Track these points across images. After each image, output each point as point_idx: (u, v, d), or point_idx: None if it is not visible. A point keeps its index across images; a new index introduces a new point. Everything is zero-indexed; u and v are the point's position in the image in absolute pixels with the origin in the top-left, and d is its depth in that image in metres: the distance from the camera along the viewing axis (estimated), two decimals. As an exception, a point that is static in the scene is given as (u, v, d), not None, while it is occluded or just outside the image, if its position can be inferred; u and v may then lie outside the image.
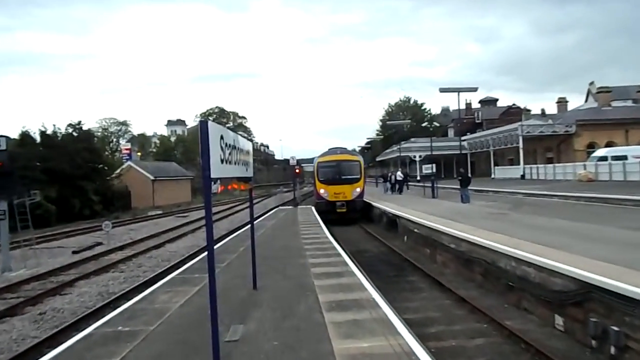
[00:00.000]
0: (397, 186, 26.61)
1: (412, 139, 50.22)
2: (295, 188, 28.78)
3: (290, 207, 24.38)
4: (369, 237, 15.85)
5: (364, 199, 22.49)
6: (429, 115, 66.20)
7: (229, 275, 7.25)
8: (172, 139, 67.85)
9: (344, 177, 21.89)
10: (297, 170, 26.43)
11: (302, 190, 50.93)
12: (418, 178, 28.31)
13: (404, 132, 54.32)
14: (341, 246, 10.38)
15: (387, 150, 58.74)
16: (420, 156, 44.66)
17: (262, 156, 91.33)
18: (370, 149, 65.66)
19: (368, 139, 69.85)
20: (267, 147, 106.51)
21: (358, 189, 21.78)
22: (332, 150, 24.78)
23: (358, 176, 22.16)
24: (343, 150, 24.64)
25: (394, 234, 14.78)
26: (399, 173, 27.51)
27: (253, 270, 6.21)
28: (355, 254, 11.56)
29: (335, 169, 22.18)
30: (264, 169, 77.27)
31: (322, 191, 21.97)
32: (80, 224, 23.24)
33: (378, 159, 63.75)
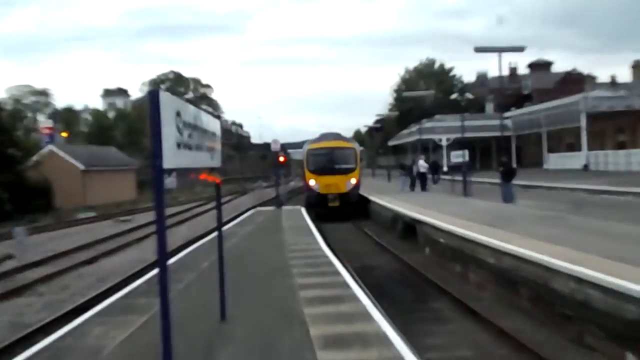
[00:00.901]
0: (421, 180, 26.66)
1: (437, 116, 50.49)
2: (280, 182, 28.79)
3: (272, 208, 24.57)
4: (379, 248, 15.99)
5: (360, 192, 24.92)
6: (459, 84, 66.45)
7: (188, 301, 7.29)
8: (111, 114, 67.04)
9: (337, 166, 24.44)
10: (282, 159, 26.48)
11: (289, 186, 51.18)
12: (445, 169, 28.44)
13: (426, 106, 54.54)
14: (341, 261, 10.47)
15: (404, 132, 59.02)
16: (448, 139, 44.96)
17: (234, 139, 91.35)
18: (381, 130, 65.96)
19: (378, 116, 70.11)
20: (241, 126, 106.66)
21: (353, 180, 24.30)
22: (324, 136, 27.31)
23: (353, 166, 24.71)
24: (336, 136, 27.12)
25: (412, 245, 15.03)
26: (421, 162, 27.38)
27: (221, 295, 6.20)
28: (361, 272, 11.71)
29: (327, 158, 24.73)
30: (235, 156, 77.24)
31: (312, 182, 24.53)
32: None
33: (391, 142, 64.07)
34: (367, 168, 72.92)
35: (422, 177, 26.53)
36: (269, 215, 21.30)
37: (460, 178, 23.24)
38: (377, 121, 69.37)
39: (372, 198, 23.18)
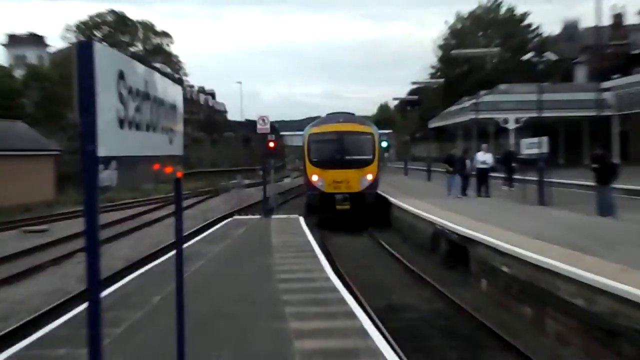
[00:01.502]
0: (480, 179, 26.56)
1: (503, 86, 50.43)
2: (269, 178, 28.90)
3: (257, 216, 24.74)
4: (411, 278, 16.04)
5: (378, 191, 26.39)
6: (537, 39, 66.27)
7: (129, 352, 7.35)
8: (18, 73, 67.06)
9: (348, 157, 25.89)
10: (272, 144, 26.59)
11: (283, 184, 51.34)
12: (512, 164, 28.35)
13: (486, 71, 54.40)
14: (356, 297, 10.51)
15: (452, 108, 59.12)
16: (517, 120, 44.96)
17: (203, 114, 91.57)
18: (419, 105, 65.86)
19: (414, 85, 70.15)
20: (213, 96, 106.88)
21: (369, 176, 25.78)
22: (332, 117, 28.58)
23: (370, 156, 26.14)
24: (348, 117, 28.41)
25: (462, 275, 15.12)
26: (481, 154, 27.21)
27: (178, 346, 6.21)
28: (385, 315, 11.80)
29: (335, 145, 26.17)
30: (205, 139, 77.54)
31: (315, 178, 25.92)
32: None
33: (433, 124, 64.12)
34: (398, 160, 73.07)
35: (481, 176, 26.43)
36: (252, 226, 21.44)
37: (534, 178, 23.19)
38: (412, 92, 69.24)
39: (404, 204, 23.29)
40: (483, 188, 26.15)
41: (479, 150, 27.59)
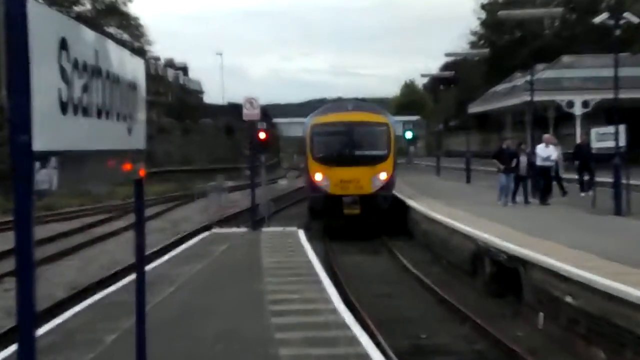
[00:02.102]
0: (542, 181, 26.40)
1: (566, 58, 50.32)
2: (258, 179, 28.95)
3: (243, 229, 24.80)
4: (445, 310, 16.00)
5: (394, 192, 28.46)
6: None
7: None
8: None
9: (358, 152, 27.73)
10: (263, 135, 26.65)
11: (278, 187, 50.77)
12: (589, 161, 27.90)
13: (543, 39, 54.01)
14: (373, 336, 10.55)
15: (499, 88, 59.15)
16: (585, 103, 44.82)
17: (172, 95, 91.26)
18: (455, 84, 65.48)
19: (448, 57, 69.68)
20: (185, 71, 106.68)
21: (382, 175, 27.46)
22: (338, 106, 30.79)
23: (384, 151, 27.94)
24: (357, 105, 30.54)
25: (510, 306, 15.12)
26: (542, 148, 26.93)
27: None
28: (412, 359, 11.73)
29: (342, 139, 28.15)
30: (176, 127, 77.51)
31: (319, 177, 27.59)
32: None
33: (474, 108, 64.08)
34: (428, 156, 72.40)
35: (543, 176, 26.25)
36: (237, 242, 21.42)
37: (608, 179, 23.13)
38: (446, 67, 69.01)
39: (434, 214, 23.32)
40: (542, 192, 26.01)
41: (541, 144, 27.09)
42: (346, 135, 27.67)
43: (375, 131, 28.13)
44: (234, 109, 57.80)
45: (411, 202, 27.74)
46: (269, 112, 71.77)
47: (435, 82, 68.69)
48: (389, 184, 27.67)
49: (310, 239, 22.57)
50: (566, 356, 12.09)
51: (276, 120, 72.49)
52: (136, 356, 6.07)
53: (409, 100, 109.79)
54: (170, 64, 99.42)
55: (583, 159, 27.92)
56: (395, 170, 28.58)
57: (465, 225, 19.97)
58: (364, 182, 26.92)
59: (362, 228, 26.85)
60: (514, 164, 25.61)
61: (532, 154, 27.08)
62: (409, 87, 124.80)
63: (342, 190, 26.81)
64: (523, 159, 26.25)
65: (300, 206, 38.23)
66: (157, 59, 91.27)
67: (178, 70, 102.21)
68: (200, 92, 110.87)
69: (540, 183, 26.40)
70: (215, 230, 25.79)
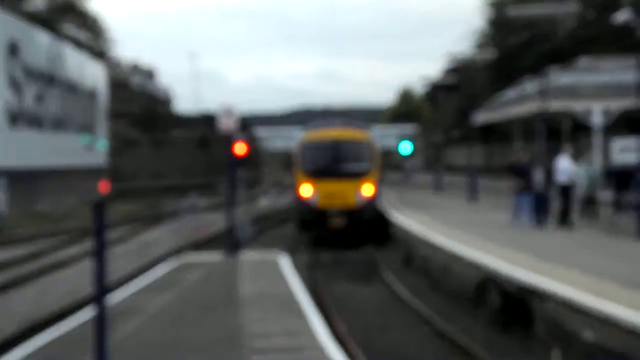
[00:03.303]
0: (561, 200, 26.24)
1: (583, 60, 50.48)
2: (236, 197, 28.91)
3: (217, 257, 24.90)
4: (446, 345, 15.92)
5: (377, 206, 33.28)
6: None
7: None
8: None
9: (344, 167, 32.79)
10: (243, 148, 26.58)
11: (259, 206, 50.60)
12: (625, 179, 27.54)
13: (558, 39, 54.20)
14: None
15: (507, 96, 59.27)
16: (606, 112, 44.84)
17: (139, 104, 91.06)
18: (456, 90, 65.54)
19: (450, 61, 69.78)
20: (150, 75, 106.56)
21: (367, 189, 32.21)
22: (326, 123, 37.63)
23: (367, 165, 32.85)
24: (345, 122, 37.09)
25: (520, 341, 15.17)
26: (565, 162, 26.41)
27: None
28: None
29: (330, 154, 33.11)
30: (142, 141, 77.38)
31: (307, 192, 32.32)
32: None
33: (478, 118, 64.22)
34: (428, 170, 72.70)
35: (564, 194, 25.96)
36: (212, 269, 21.48)
37: (633, 198, 23.22)
38: (449, 71, 69.28)
39: (432, 237, 23.34)
40: (563, 214, 25.81)
41: (561, 159, 26.40)
42: (334, 151, 32.31)
43: (358, 147, 33.09)
44: (209, 120, 57.82)
45: (406, 223, 28.17)
46: (249, 123, 71.67)
47: (435, 90, 69.06)
48: (374, 198, 32.11)
49: (295, 263, 22.63)
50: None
51: (258, 128, 72.31)
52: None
53: (406, 110, 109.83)
54: (136, 69, 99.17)
55: (622, 178, 26.53)
56: (380, 184, 33.26)
57: (469, 250, 19.97)
58: (349, 196, 31.52)
59: (349, 240, 30.54)
60: (523, 177, 25.60)
61: (549, 169, 26.76)
62: (406, 96, 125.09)
63: (328, 204, 31.10)
64: (539, 174, 26.11)
65: (284, 227, 38.29)
66: (120, 63, 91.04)
67: (143, 74, 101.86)
68: (170, 100, 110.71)
69: (563, 202, 26.27)
70: (188, 255, 25.77)
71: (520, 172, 25.70)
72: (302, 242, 31.94)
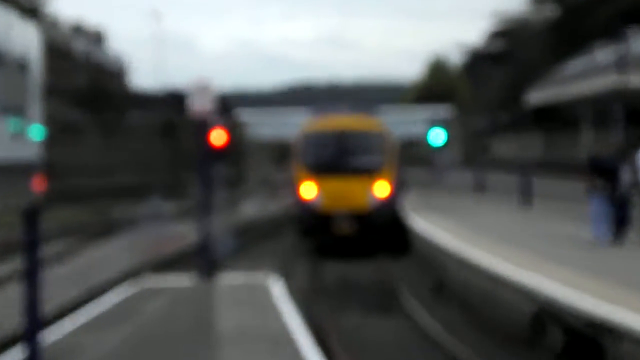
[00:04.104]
0: None
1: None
2: (212, 202, 28.81)
3: (185, 282, 24.96)
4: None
5: (394, 210, 35.17)
6: None
7: None
8: None
9: (353, 160, 34.65)
10: (222, 137, 26.60)
11: (243, 213, 50.34)
12: None
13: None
14: None
15: (572, 65, 58.80)
16: None
17: (83, 77, 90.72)
18: (503, 60, 65.48)
19: (494, 20, 69.55)
20: (101, 41, 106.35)
21: (380, 189, 33.98)
22: (331, 107, 40.56)
23: (378, 159, 34.79)
24: (354, 106, 40.72)
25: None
26: None
27: None
28: None
29: (336, 147, 35.03)
30: (88, 125, 77.07)
31: (309, 192, 34.27)
32: None
33: (532, 97, 64.28)
34: (465, 164, 71.93)
35: None
36: (179, 297, 21.54)
37: None
38: (495, 35, 69.27)
39: (471, 255, 23.35)
40: None
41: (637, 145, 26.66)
42: (341, 143, 34.32)
43: (369, 137, 35.25)
44: (177, 99, 57.74)
45: (436, 236, 28.53)
46: (230, 104, 71.35)
47: (476, 60, 68.94)
48: (390, 199, 33.90)
49: (290, 287, 22.89)
50: None
51: (243, 115, 71.86)
52: None
53: (437, 86, 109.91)
54: (79, 30, 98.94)
55: None
56: (401, 184, 35.19)
57: (520, 272, 19.93)
58: (358, 196, 33.43)
59: (360, 253, 32.28)
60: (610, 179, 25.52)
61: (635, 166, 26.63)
62: (438, 67, 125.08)
63: (335, 206, 33.12)
64: (626, 174, 25.87)
65: (277, 239, 38.44)
66: (59, 23, 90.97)
67: (91, 40, 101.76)
68: (124, 73, 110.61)
69: None
70: (149, 278, 25.72)
71: (603, 170, 25.45)
72: (301, 256, 33.15)
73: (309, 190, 34.11)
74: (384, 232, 33.59)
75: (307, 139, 35.81)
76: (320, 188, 33.80)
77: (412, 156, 68.99)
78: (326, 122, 36.83)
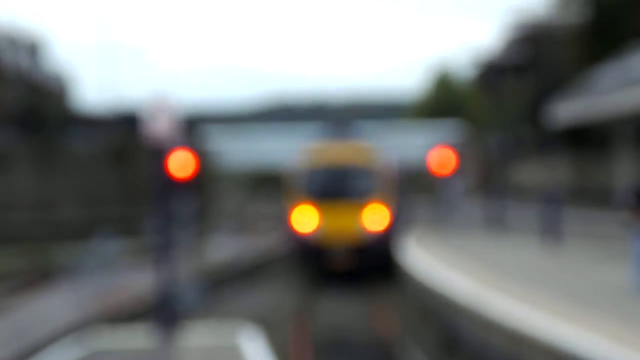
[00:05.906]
0: None
1: None
2: (172, 243, 28.43)
3: (140, 342, 24.80)
4: None
5: (392, 244, 37.61)
6: None
7: None
8: None
9: (352, 193, 38.10)
10: (189, 169, 26.26)
11: (214, 255, 50.58)
12: None
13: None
14: None
15: (606, 73, 59.17)
16: None
17: (15, 94, 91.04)
18: (525, 71, 65.92)
19: (515, 20, 70.15)
20: (36, 52, 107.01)
21: (374, 222, 36.85)
22: (327, 132, 44.54)
23: (375, 192, 37.80)
24: (347, 132, 43.69)
25: None
26: None
27: None
28: None
29: (335, 181, 38.65)
30: (21, 152, 77.47)
31: (307, 225, 37.11)
32: None
33: (559, 111, 64.47)
34: (477, 192, 72.57)
35: None
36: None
37: None
38: (516, 42, 70.01)
39: (489, 310, 23.02)
40: None
41: None
42: (336, 180, 38.06)
43: (364, 172, 38.50)
44: (130, 121, 57.90)
45: (444, 283, 28.15)
46: (197, 127, 71.64)
47: (494, 71, 69.28)
48: (389, 230, 36.91)
49: (272, 345, 22.59)
50: None
51: (210, 137, 71.78)
52: None
53: (443, 101, 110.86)
54: (12, 41, 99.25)
55: None
56: (397, 217, 38.14)
57: (549, 328, 19.49)
58: (352, 226, 36.38)
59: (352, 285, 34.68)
60: None
61: None
62: (444, 80, 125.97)
63: (333, 237, 35.91)
64: None
65: (260, 287, 38.39)
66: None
67: (26, 52, 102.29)
68: (68, 90, 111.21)
69: None
70: (94, 337, 25.31)
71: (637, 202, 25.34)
72: (286, 308, 34.00)
73: (306, 223, 36.46)
74: (379, 266, 35.76)
75: (304, 173, 38.47)
76: (319, 222, 36.27)
77: (420, 184, 69.17)
78: (323, 155, 39.27)
